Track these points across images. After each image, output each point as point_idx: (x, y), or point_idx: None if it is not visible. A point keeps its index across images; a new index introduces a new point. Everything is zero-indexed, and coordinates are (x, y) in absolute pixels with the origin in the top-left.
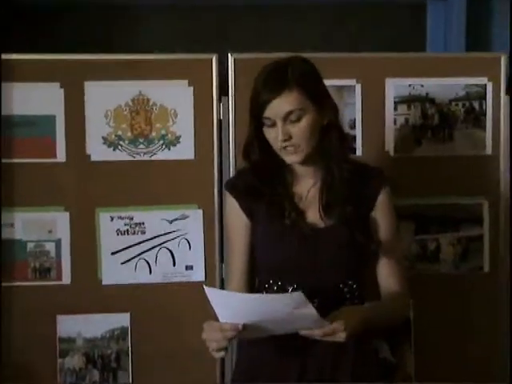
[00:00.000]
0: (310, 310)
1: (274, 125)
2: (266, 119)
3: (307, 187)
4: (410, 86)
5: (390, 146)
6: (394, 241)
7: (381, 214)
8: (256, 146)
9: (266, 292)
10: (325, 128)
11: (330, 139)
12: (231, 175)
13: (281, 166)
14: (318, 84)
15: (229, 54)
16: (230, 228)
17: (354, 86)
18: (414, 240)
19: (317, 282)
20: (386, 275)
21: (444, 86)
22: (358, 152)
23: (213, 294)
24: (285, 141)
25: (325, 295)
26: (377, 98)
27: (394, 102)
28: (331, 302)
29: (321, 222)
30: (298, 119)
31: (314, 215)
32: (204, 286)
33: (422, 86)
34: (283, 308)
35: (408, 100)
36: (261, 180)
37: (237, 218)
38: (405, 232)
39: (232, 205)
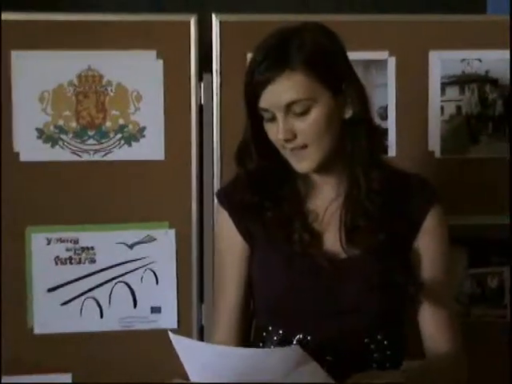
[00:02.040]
0: (314, 368)
1: (273, 118)
2: (262, 111)
3: (326, 203)
4: (463, 61)
5: (435, 144)
6: (444, 281)
7: (428, 244)
8: (254, 148)
9: (263, 343)
10: (348, 123)
11: (354, 137)
12: (216, 182)
13: (291, 174)
14: (336, 62)
15: (212, 15)
16: (220, 252)
17: (386, 61)
18: (468, 274)
19: (333, 333)
20: (432, 329)
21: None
22: (391, 152)
23: (182, 344)
24: (287, 141)
25: (343, 352)
26: (417, 78)
27: (442, 84)
28: (352, 363)
29: (342, 250)
30: (305, 111)
31: (333, 241)
32: (169, 334)
33: (480, 61)
34: (276, 367)
35: (461, 81)
36: (261, 192)
37: (230, 240)
38: (454, 263)
39: (225, 222)
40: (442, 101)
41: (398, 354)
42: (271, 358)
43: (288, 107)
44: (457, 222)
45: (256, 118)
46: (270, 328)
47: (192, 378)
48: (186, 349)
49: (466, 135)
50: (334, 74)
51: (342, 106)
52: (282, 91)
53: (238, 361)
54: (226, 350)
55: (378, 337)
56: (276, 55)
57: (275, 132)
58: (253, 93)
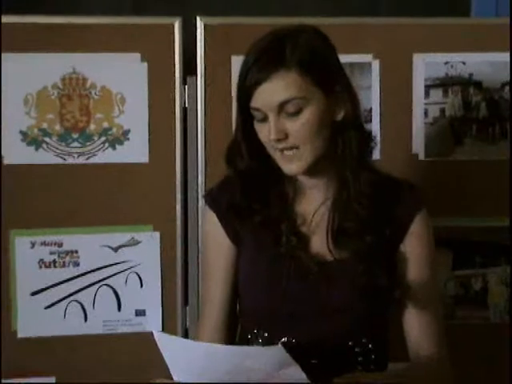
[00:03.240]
0: (296, 372)
1: (265, 119)
2: (254, 110)
3: (314, 206)
4: (446, 63)
5: (419, 146)
6: (430, 285)
7: (414, 247)
8: (244, 149)
9: (249, 345)
10: (338, 124)
11: (344, 140)
12: (200, 185)
13: (279, 176)
14: (329, 64)
15: (197, 18)
16: (207, 253)
17: (370, 64)
18: (453, 276)
19: (318, 335)
20: (417, 332)
21: (495, 65)
22: (375, 154)
23: (165, 342)
24: (279, 141)
25: (328, 355)
26: (401, 81)
27: (426, 87)
28: (336, 366)
29: (329, 253)
30: (298, 111)
31: (320, 244)
32: (154, 332)
33: (464, 63)
34: (260, 366)
35: (444, 83)
36: (250, 194)
37: (218, 241)
38: (439, 265)
39: (212, 223)
40: (425, 103)
41: (383, 357)
42: (255, 357)
43: (281, 107)
44: (441, 223)
45: (246, 118)
46: (256, 330)
47: (175, 377)
48: (170, 347)
49: (449, 138)
50: (327, 75)
51: (334, 107)
52: (275, 90)
53: (222, 358)
54: (211, 347)
55: (363, 340)
56: (271, 55)
57: (266, 132)
58: (245, 92)
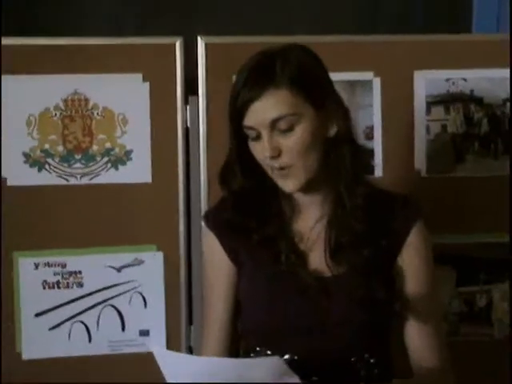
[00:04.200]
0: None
1: (258, 137)
2: (247, 129)
3: (311, 223)
4: (448, 80)
5: (421, 163)
6: (428, 298)
7: (411, 260)
8: (238, 168)
9: None
10: (331, 141)
11: (338, 156)
12: (203, 205)
13: (275, 195)
14: (319, 80)
15: (198, 38)
16: (208, 273)
17: (371, 82)
18: (457, 293)
19: (320, 351)
20: (418, 346)
21: (496, 81)
22: (378, 171)
23: (163, 357)
24: (273, 158)
25: (330, 371)
26: (403, 98)
27: (427, 103)
28: (339, 381)
29: (327, 269)
30: (290, 128)
31: (318, 260)
32: (152, 348)
33: (465, 80)
34: (260, 378)
35: (446, 100)
36: (246, 213)
37: (217, 261)
38: (443, 282)
39: (211, 243)
40: (427, 120)
41: (386, 372)
42: (255, 368)
43: (273, 124)
44: (443, 240)
45: (240, 138)
46: (258, 348)
47: None
48: (169, 362)
49: (451, 154)
50: (318, 91)
51: (326, 123)
52: (267, 108)
53: (222, 371)
54: (210, 360)
55: (365, 355)
56: (261, 73)
57: (261, 150)
58: (238, 112)
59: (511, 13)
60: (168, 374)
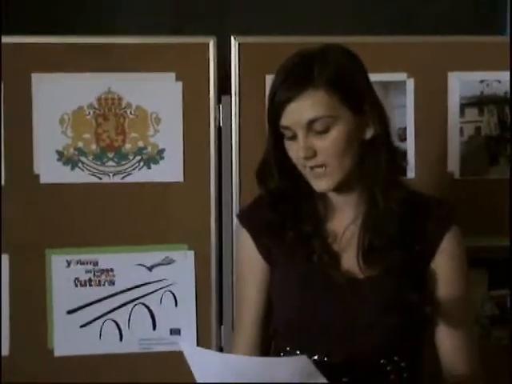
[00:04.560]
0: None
1: (294, 137)
2: (284, 129)
3: (344, 223)
4: (482, 82)
5: (454, 165)
6: (461, 303)
7: (445, 264)
8: (275, 167)
9: None
10: (368, 143)
11: (374, 159)
12: (234, 204)
13: (310, 194)
14: (357, 82)
15: (231, 37)
16: (241, 272)
17: (405, 83)
18: (489, 296)
19: (350, 353)
20: (450, 351)
21: None
22: (410, 173)
23: (192, 354)
24: (307, 158)
25: (359, 373)
26: (436, 99)
27: (461, 105)
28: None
29: (359, 271)
30: (326, 129)
31: (351, 261)
32: (181, 344)
33: (500, 82)
34: (287, 376)
35: (479, 102)
36: (282, 212)
37: (251, 259)
38: (475, 285)
39: (245, 242)
40: (461, 122)
41: (416, 377)
42: (283, 367)
43: (309, 125)
44: (476, 243)
45: (277, 137)
46: (288, 349)
47: None
48: (198, 359)
49: (485, 156)
50: (356, 94)
51: (363, 126)
52: (304, 109)
53: (250, 369)
54: (238, 358)
55: (395, 358)
56: (299, 74)
57: (296, 150)
58: (275, 111)
59: None
60: (197, 371)
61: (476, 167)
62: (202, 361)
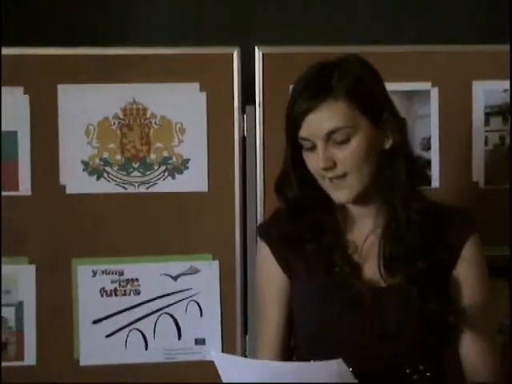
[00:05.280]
0: None
1: (313, 148)
2: (302, 140)
3: (364, 234)
4: (506, 91)
5: (479, 174)
6: (483, 311)
7: (467, 272)
8: (294, 179)
9: None
10: (387, 153)
11: (393, 169)
12: (259, 214)
13: (329, 205)
14: (376, 93)
15: (255, 48)
16: (261, 284)
17: (429, 92)
18: (510, 305)
19: (374, 363)
20: (473, 357)
21: None
22: (435, 183)
23: (223, 362)
24: (327, 169)
25: (385, 382)
26: (461, 108)
27: (485, 114)
28: None
29: (381, 280)
30: (346, 140)
31: (372, 271)
32: (211, 352)
33: None
34: (318, 381)
35: (504, 111)
36: (301, 224)
37: (270, 272)
38: (496, 294)
39: (265, 254)
40: (485, 131)
41: None
42: (314, 371)
43: (328, 136)
44: (501, 252)
45: (296, 149)
46: (311, 359)
47: None
48: (228, 366)
49: (510, 165)
50: (374, 105)
51: (382, 136)
52: (323, 119)
53: (281, 374)
54: (269, 363)
55: (420, 367)
56: (318, 85)
57: (315, 161)
58: (294, 122)
59: None
60: (226, 378)
61: (501, 176)
62: (232, 368)
